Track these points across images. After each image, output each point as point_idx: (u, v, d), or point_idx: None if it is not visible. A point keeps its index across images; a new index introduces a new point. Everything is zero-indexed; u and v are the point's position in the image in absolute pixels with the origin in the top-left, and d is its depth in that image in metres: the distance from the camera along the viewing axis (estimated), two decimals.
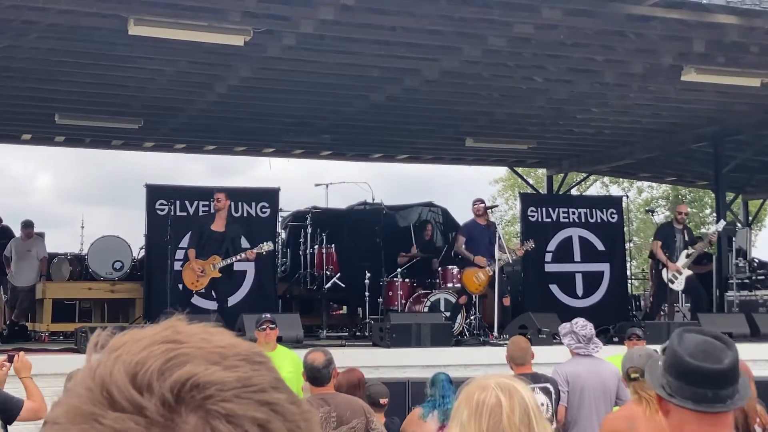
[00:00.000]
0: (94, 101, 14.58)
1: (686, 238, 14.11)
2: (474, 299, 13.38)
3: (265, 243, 12.26)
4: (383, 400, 6.81)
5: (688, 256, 13.88)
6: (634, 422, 4.95)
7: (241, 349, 0.86)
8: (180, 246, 12.80)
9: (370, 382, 7.69)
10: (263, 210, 14.67)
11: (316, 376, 6.14)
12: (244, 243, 12.84)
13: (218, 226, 12.11)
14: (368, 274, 14.05)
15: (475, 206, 13.48)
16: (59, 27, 11.15)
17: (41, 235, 15.07)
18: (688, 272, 13.94)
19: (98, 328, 0.91)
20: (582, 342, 7.32)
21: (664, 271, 13.95)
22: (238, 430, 0.80)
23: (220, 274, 11.93)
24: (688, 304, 18.60)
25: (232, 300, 13.94)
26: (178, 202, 13.41)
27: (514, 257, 14.26)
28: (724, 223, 14.88)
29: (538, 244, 15.15)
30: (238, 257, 12.01)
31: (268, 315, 8.84)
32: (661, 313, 15.25)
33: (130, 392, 0.80)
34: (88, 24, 10.93)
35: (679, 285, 13.91)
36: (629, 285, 18.50)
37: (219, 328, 0.88)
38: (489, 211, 13.69)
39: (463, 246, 13.31)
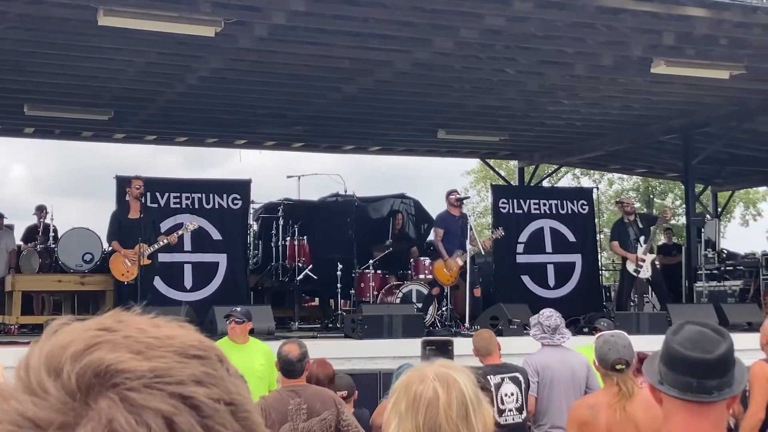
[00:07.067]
0: (63, 92, 14.47)
1: (640, 226, 14.30)
2: (446, 290, 13.43)
3: (189, 223, 12.62)
4: (341, 393, 6.73)
5: (645, 241, 14.11)
6: (598, 411, 4.98)
7: (176, 342, 0.81)
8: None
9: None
10: (234, 202, 14.62)
11: (290, 368, 6.08)
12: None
13: (134, 213, 12.24)
14: (340, 266, 14.02)
15: (452, 196, 13.47)
16: (28, 17, 11.05)
17: (11, 228, 14.94)
18: (651, 256, 14.19)
19: (56, 318, 0.90)
20: (547, 332, 7.34)
21: (627, 264, 14.21)
22: (140, 421, 0.75)
23: (150, 261, 12.03)
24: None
25: (204, 292, 13.91)
26: (148, 194, 13.30)
27: (485, 248, 14.30)
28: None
29: (509, 235, 15.23)
30: (162, 242, 12.13)
31: (237, 308, 8.57)
32: (631, 304, 15.38)
33: (39, 375, 0.78)
34: (58, 14, 10.84)
35: (645, 272, 14.09)
36: (600, 276, 18.61)
37: (169, 321, 0.85)
38: (461, 202, 13.72)
39: (440, 239, 13.34)
